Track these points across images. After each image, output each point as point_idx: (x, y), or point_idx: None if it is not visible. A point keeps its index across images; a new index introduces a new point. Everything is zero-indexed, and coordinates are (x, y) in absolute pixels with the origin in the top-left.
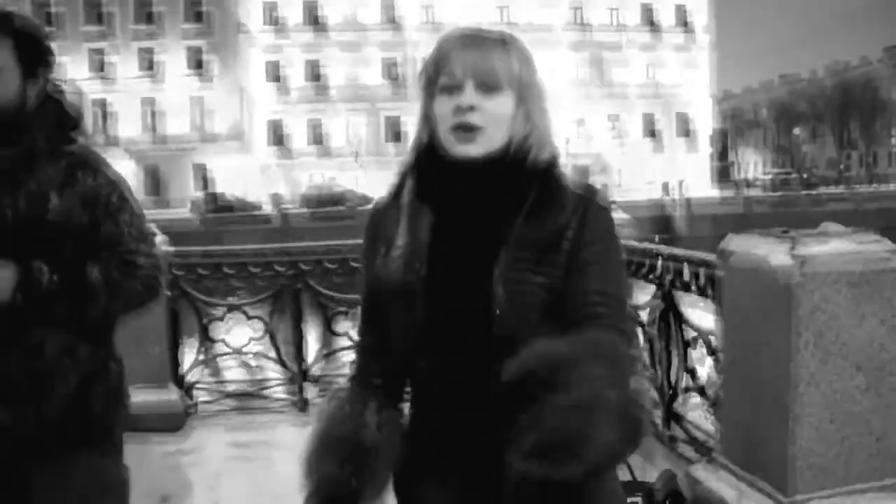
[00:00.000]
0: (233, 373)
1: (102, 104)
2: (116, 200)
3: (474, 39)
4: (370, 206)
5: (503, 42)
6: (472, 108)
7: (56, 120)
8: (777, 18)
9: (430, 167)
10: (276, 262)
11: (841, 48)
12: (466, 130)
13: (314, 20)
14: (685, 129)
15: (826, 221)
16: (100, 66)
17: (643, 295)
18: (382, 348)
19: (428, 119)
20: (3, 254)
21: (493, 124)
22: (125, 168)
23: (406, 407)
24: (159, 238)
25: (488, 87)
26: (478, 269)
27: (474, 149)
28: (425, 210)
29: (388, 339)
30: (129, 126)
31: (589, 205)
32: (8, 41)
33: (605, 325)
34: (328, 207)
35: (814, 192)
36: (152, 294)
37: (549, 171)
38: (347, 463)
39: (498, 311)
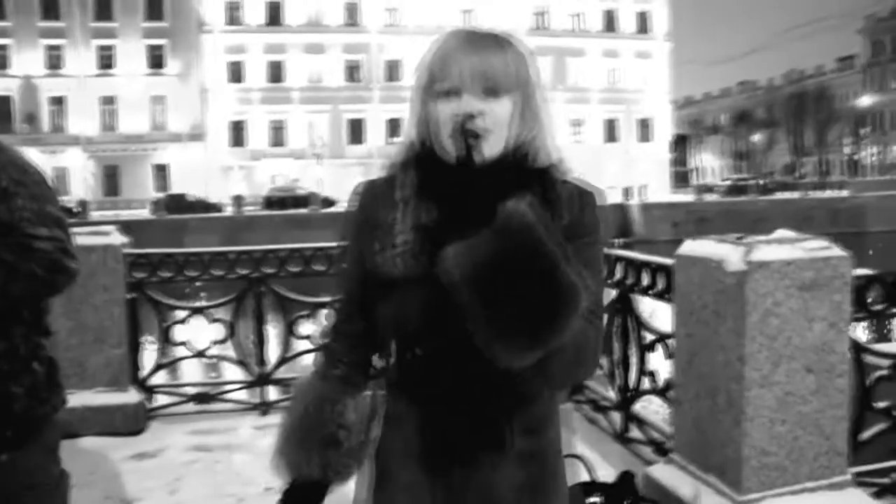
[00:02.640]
0: (194, 375)
1: (59, 101)
2: (10, 186)
3: (473, 41)
4: (333, 209)
5: (502, 43)
6: (472, 115)
7: None
8: (735, 28)
9: (429, 166)
10: (239, 265)
11: (797, 57)
12: (468, 136)
13: (276, 21)
14: (645, 134)
15: (780, 228)
16: (57, 63)
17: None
18: (362, 334)
19: (424, 122)
20: None
21: (494, 129)
22: (82, 167)
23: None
24: (113, 234)
25: (489, 91)
26: None
27: (477, 155)
28: (425, 206)
29: (371, 325)
30: (87, 124)
31: (584, 202)
32: None
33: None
34: (291, 210)
35: (770, 198)
36: (58, 276)
37: (549, 171)
38: (319, 454)
39: None
